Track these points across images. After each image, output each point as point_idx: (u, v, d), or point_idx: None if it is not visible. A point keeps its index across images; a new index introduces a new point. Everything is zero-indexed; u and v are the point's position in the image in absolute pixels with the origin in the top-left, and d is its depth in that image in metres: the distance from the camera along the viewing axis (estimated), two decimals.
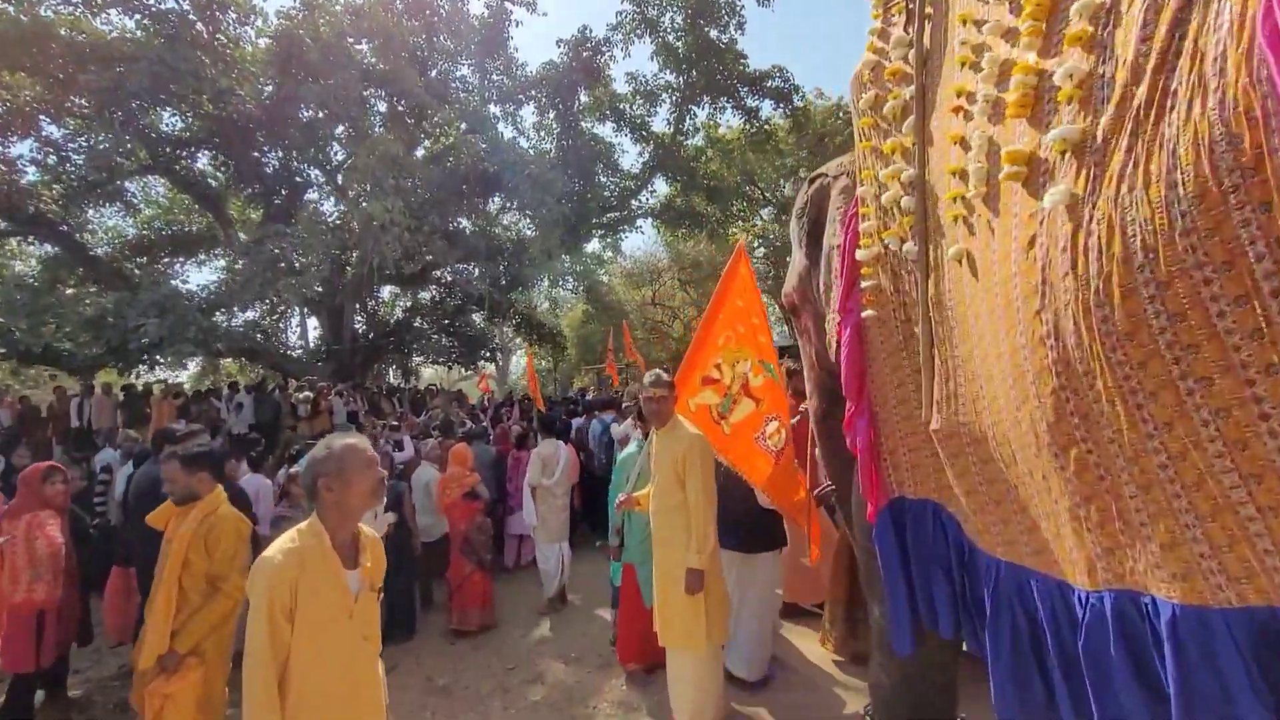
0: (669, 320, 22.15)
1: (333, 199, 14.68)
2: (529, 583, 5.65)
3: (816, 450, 2.90)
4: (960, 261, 1.62)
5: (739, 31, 15.42)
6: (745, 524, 3.57)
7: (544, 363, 41.80)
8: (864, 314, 2.00)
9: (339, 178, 13.35)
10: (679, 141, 17.28)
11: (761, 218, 20.88)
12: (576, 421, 7.99)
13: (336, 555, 1.83)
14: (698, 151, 18.63)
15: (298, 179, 14.85)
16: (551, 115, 15.73)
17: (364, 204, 10.09)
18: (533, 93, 15.79)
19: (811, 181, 2.59)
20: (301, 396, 12.16)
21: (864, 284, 2.00)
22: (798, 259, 2.66)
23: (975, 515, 1.78)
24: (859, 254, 2.01)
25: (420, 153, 14.53)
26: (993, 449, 1.61)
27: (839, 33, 78.23)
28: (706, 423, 3.40)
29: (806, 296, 2.59)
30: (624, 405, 6.69)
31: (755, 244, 20.22)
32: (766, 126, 16.42)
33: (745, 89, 15.83)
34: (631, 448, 4.08)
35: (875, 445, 2.09)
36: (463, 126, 14.28)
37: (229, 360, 18.30)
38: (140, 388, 11.24)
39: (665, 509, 3.03)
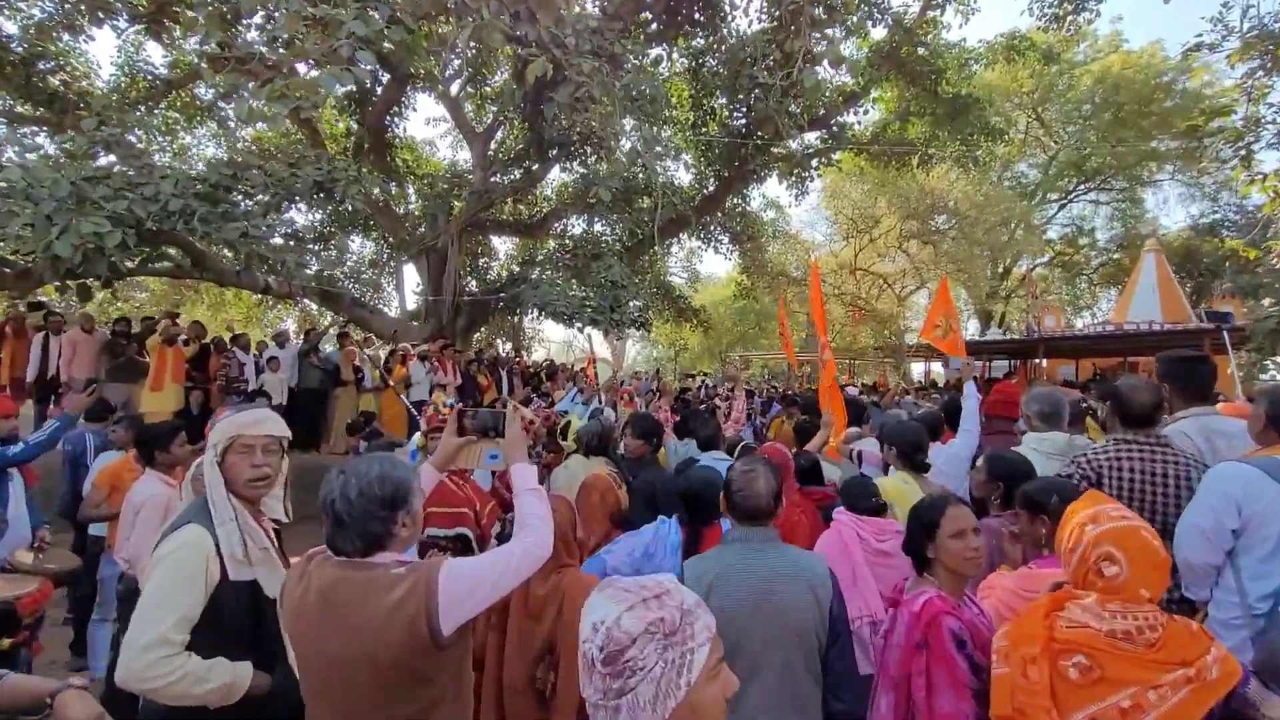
0: (873, 293, 15.38)
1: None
2: None
3: None
4: None
5: None
6: None
7: (656, 350, 37.21)
8: None
9: None
10: (926, 23, 11.64)
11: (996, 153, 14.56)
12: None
13: None
14: (937, 51, 12.80)
15: None
16: None
17: None
18: None
19: None
20: (369, 355, 7.99)
21: None
22: None
23: None
24: None
25: None
26: None
27: None
28: None
29: None
30: None
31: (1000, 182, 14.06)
32: None
33: None
34: None
35: None
36: None
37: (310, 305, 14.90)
38: (134, 325, 7.35)
39: None
